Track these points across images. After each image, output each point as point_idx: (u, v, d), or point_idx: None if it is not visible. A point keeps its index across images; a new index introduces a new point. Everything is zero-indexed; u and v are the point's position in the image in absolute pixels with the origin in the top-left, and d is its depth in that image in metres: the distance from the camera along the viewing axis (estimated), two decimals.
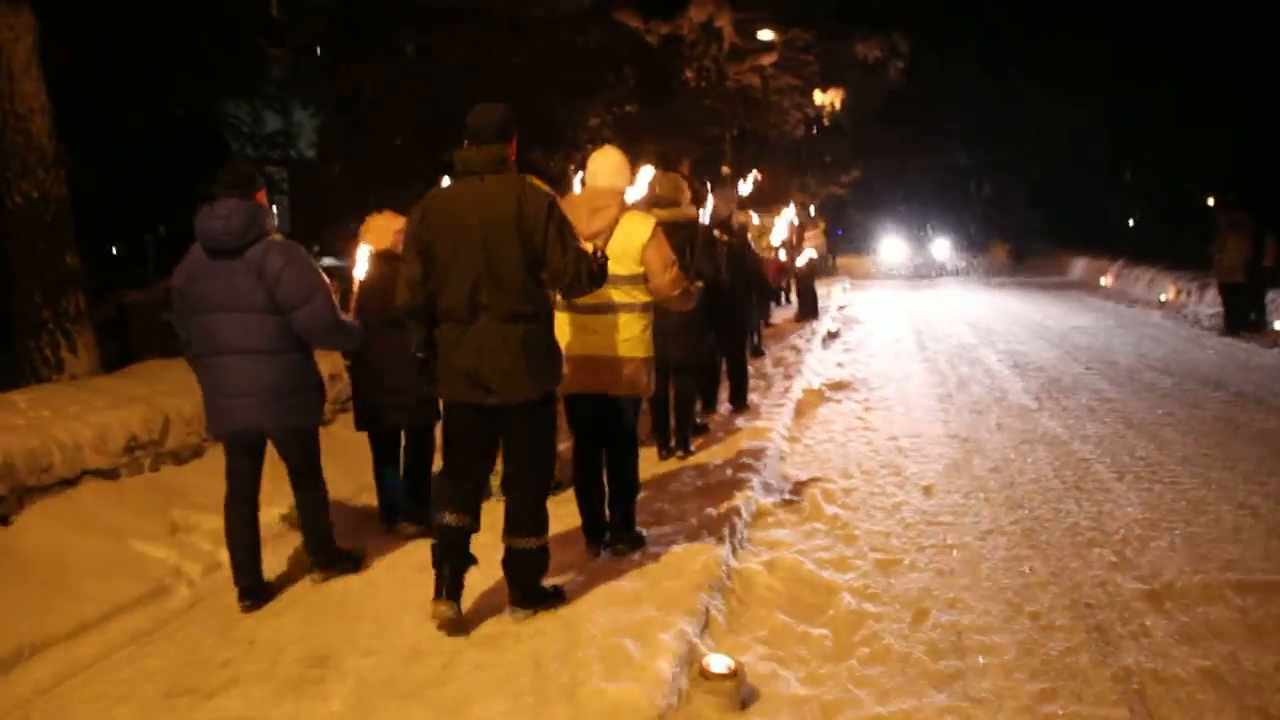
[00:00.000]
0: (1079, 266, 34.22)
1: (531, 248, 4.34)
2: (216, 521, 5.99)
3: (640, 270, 5.28)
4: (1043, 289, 28.92)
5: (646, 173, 5.98)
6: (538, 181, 4.47)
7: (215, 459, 6.48)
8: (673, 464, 7.59)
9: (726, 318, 9.03)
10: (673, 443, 7.77)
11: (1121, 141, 36.73)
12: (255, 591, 5.15)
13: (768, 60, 15.92)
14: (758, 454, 7.76)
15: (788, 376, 11.92)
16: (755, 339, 13.78)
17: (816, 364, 13.45)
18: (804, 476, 7.48)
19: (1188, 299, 20.82)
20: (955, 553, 5.79)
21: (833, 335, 17.02)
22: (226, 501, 5.22)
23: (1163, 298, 22.24)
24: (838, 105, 29.06)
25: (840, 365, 13.62)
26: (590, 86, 14.36)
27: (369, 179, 12.72)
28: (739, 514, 6.15)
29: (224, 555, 5.63)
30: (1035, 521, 6.35)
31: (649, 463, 7.61)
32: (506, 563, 4.65)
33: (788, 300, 19.61)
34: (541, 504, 4.65)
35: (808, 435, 9.01)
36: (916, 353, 14.99)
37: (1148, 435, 8.80)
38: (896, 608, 5.01)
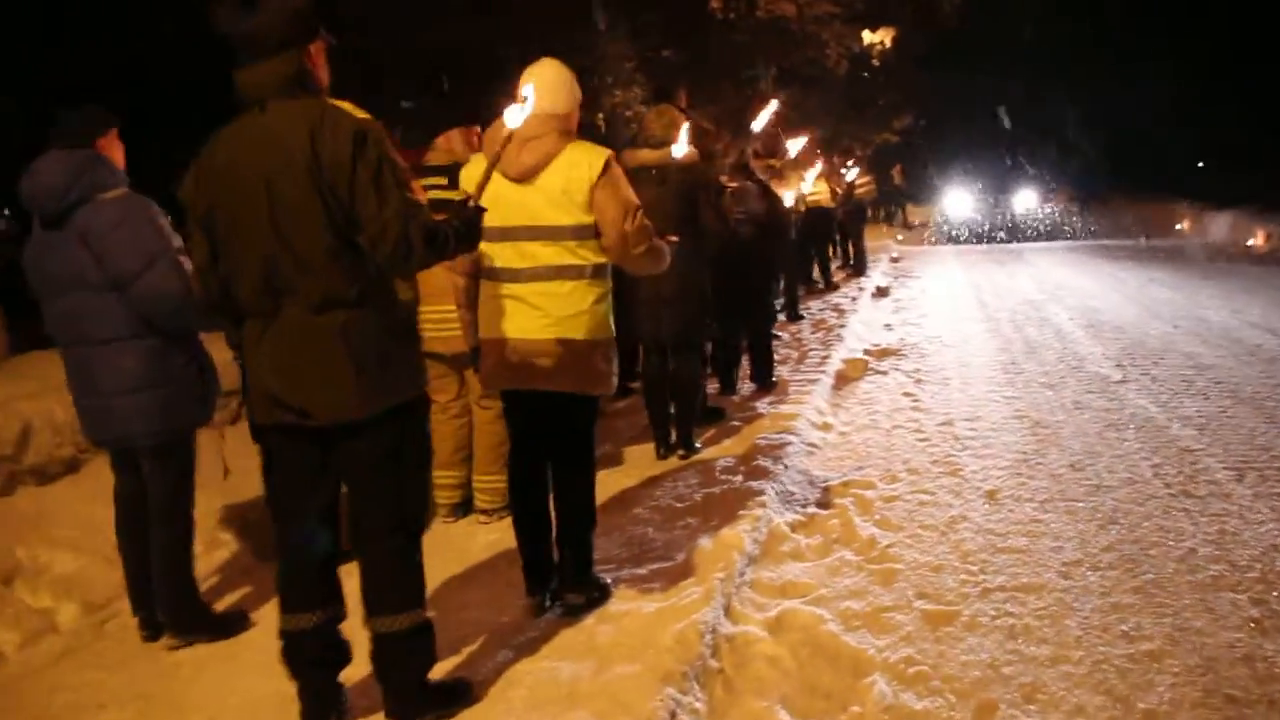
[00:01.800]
0: (1218, 225, 25.69)
1: (337, 201, 2.90)
2: (74, 563, 4.73)
3: (589, 219, 3.84)
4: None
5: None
6: (346, 105, 3.00)
7: (93, 476, 5.22)
8: (672, 465, 6.13)
9: (743, 281, 7.52)
10: (674, 439, 6.31)
11: (1189, 80, 34.36)
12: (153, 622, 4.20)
13: None
14: (779, 451, 6.27)
15: (826, 343, 10.37)
16: (794, 303, 12.22)
17: (861, 327, 11.87)
18: (835, 479, 5.99)
19: None
20: (1031, 599, 4.28)
21: (882, 291, 15.40)
22: (115, 525, 4.22)
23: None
24: (888, 44, 27.06)
25: (889, 327, 12.03)
26: (614, 21, 12.71)
27: None
28: (743, 544, 4.68)
29: (64, 617, 4.38)
30: (1136, 546, 4.82)
31: (643, 464, 6.17)
32: (374, 656, 3.23)
33: (844, 259, 17.93)
34: (409, 560, 3.22)
35: (845, 420, 7.49)
36: (976, 311, 13.34)
37: (1264, 415, 7.17)
38: (950, 700, 3.53)
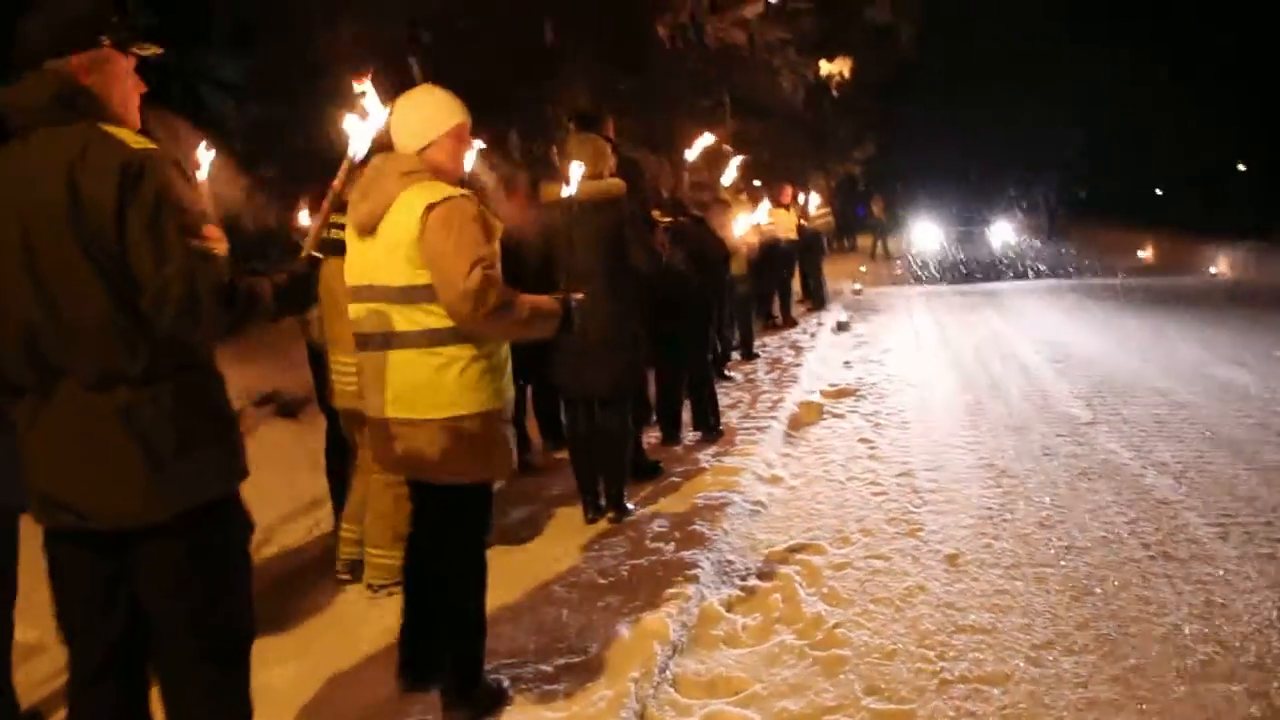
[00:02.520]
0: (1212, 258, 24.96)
1: (106, 255, 2.29)
2: None
3: (422, 278, 3.25)
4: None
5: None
6: (119, 132, 2.37)
7: None
8: (600, 531, 5.52)
9: (679, 323, 6.96)
10: (603, 500, 5.70)
11: (1158, 103, 34.27)
12: None
13: (752, 12, 13.77)
14: (719, 511, 5.68)
15: (780, 384, 9.81)
16: (749, 340, 11.68)
17: (819, 365, 11.34)
18: (781, 544, 5.40)
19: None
20: (996, 693, 3.70)
21: (842, 326, 14.89)
22: None
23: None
24: (846, 74, 26.81)
25: (848, 365, 11.50)
26: (559, 52, 12.18)
27: None
28: (667, 632, 4.07)
29: None
30: (1114, 623, 4.25)
31: (568, 530, 5.56)
32: None
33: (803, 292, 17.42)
34: (222, 698, 2.56)
35: (795, 471, 6.90)
36: (940, 348, 12.83)
37: (1243, 459, 6.66)
38: None
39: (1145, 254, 27.44)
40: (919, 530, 5.57)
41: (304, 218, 6.51)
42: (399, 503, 4.73)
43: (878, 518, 5.84)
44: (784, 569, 5.00)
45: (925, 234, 33.83)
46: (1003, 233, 34.16)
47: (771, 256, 13.34)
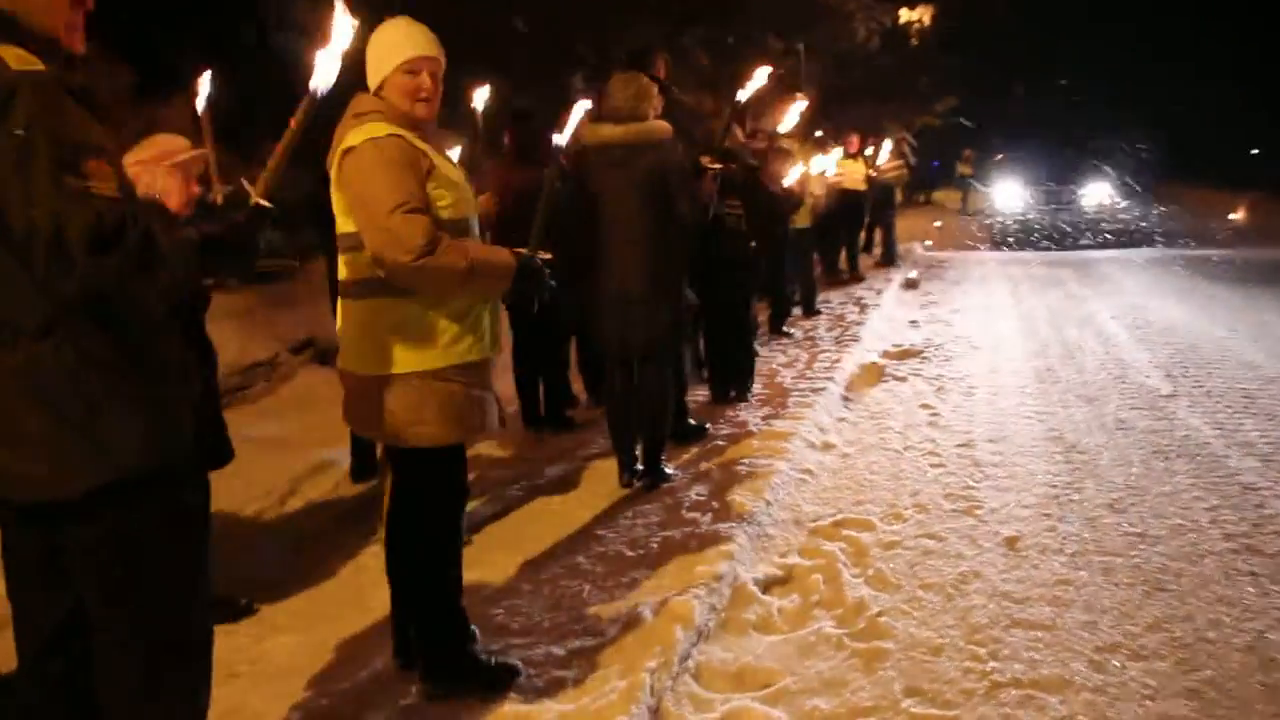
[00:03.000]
0: None
1: None
2: None
3: (352, 226, 3.14)
4: None
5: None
6: (9, 51, 1.97)
7: None
8: (635, 495, 5.22)
9: (725, 277, 6.59)
10: (640, 464, 5.38)
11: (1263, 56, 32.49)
12: None
13: None
14: (763, 479, 5.33)
15: (841, 343, 9.39)
16: (811, 295, 11.24)
17: (883, 324, 10.87)
18: (827, 517, 5.05)
19: None
20: (1053, 702, 3.33)
21: (912, 284, 14.35)
22: None
23: None
24: (927, 22, 25.86)
25: (914, 324, 11.01)
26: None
27: None
28: (693, 615, 3.75)
29: None
30: (1190, 626, 3.84)
31: (600, 494, 5.27)
32: None
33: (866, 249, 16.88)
34: (163, 699, 2.26)
35: (849, 439, 6.52)
36: (1012, 309, 12.26)
37: None
38: None
39: (1237, 216, 26.24)
40: (977, 508, 5.18)
41: None
42: None
43: (934, 492, 5.45)
44: (828, 546, 4.65)
45: (1009, 194, 28.64)
46: (1097, 194, 28.82)
47: (839, 208, 12.90)
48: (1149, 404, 7.23)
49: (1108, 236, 23.81)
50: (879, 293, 12.88)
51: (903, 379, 8.24)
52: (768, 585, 4.26)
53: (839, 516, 5.04)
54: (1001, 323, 11.11)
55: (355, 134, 3.06)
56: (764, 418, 6.62)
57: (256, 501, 5.17)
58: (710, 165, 5.36)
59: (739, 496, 5.04)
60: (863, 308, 11.58)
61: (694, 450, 5.96)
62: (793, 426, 6.33)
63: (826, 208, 12.66)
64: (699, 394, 7.11)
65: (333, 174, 3.13)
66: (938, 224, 24.74)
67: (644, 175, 5.02)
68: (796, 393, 7.30)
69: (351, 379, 3.25)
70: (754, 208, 6.69)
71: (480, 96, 5.27)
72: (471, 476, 5.76)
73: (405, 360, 3.12)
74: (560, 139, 3.41)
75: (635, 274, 5.07)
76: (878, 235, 16.67)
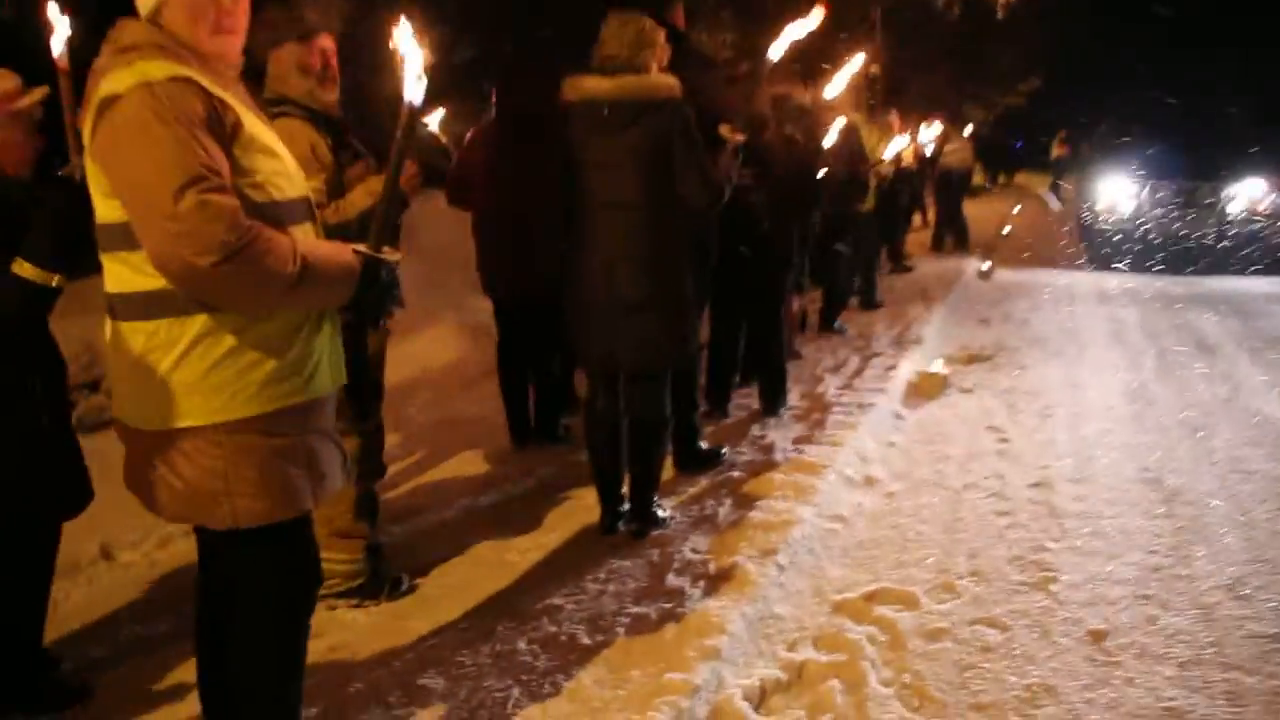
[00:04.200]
0: None
1: None
2: None
3: (115, 214, 2.13)
4: None
5: None
6: None
7: None
8: (614, 547, 4.15)
9: (753, 272, 5.48)
10: (625, 505, 4.31)
11: None
12: None
13: None
14: (779, 533, 4.21)
15: (900, 344, 8.20)
16: (871, 286, 10.03)
17: (951, 320, 9.65)
18: (858, 586, 3.94)
19: None
20: None
21: (985, 274, 13.03)
22: None
23: None
24: None
25: (984, 323, 9.75)
26: None
27: None
28: None
29: None
30: None
31: (574, 543, 4.23)
32: None
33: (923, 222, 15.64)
34: None
35: (897, 471, 5.37)
36: (1098, 308, 10.91)
37: None
38: None
39: None
40: (1053, 580, 4.03)
41: None
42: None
43: (998, 553, 4.31)
44: (854, 632, 3.55)
45: (1116, 191, 16.81)
46: (1249, 196, 16.45)
47: (896, 189, 11.73)
48: (1273, 438, 5.96)
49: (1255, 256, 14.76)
50: (949, 284, 11.60)
51: (968, 391, 7.04)
52: (763, 694, 3.18)
53: (873, 586, 3.93)
54: (1085, 323, 9.80)
55: (118, 76, 2.04)
56: (795, 441, 5.49)
57: (127, 551, 4.17)
58: (731, 136, 4.23)
59: (744, 556, 3.94)
60: (928, 301, 10.34)
61: (702, 482, 4.88)
62: (828, 456, 5.20)
63: (891, 189, 11.49)
64: (741, 402, 6.06)
65: (86, 137, 2.11)
66: (1017, 209, 23.05)
67: (641, 144, 3.92)
68: (840, 408, 6.15)
69: (130, 436, 2.25)
70: (786, 188, 5.54)
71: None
72: (425, 500, 4.87)
73: (204, 408, 2.14)
74: (414, 88, 2.28)
75: (628, 271, 3.98)
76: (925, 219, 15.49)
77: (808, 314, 8.58)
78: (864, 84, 13.44)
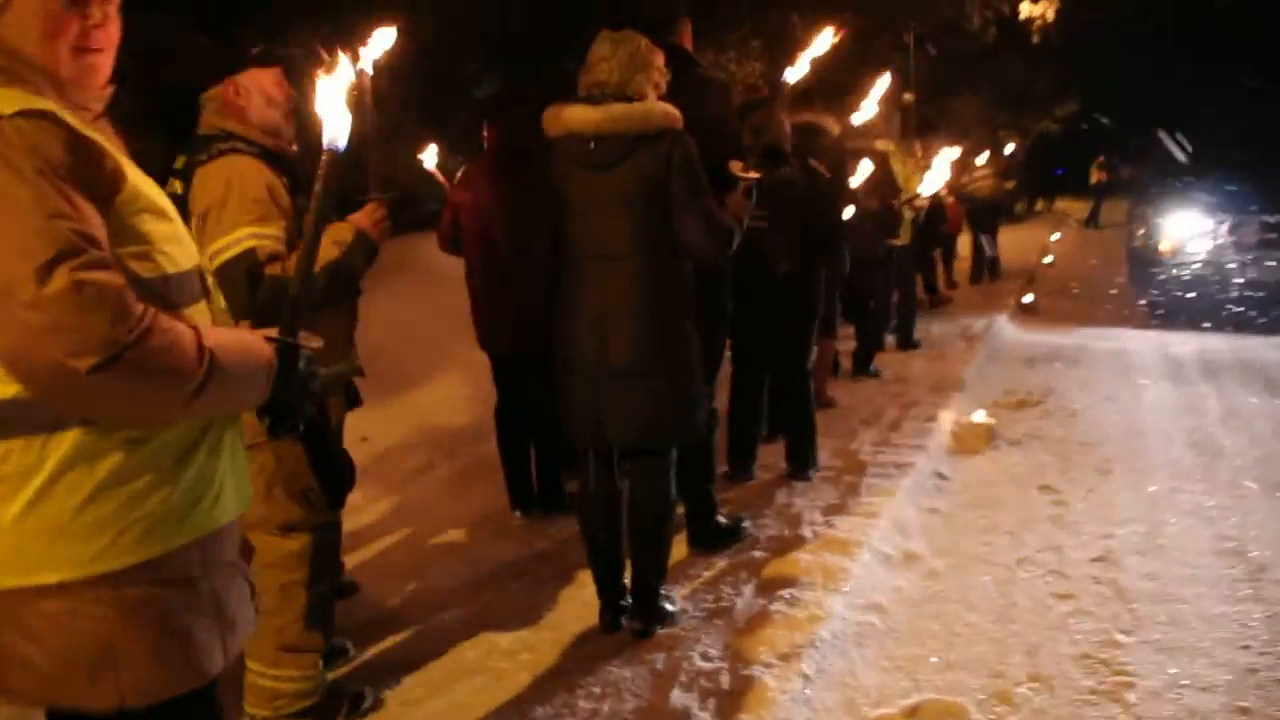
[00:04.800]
0: None
1: None
2: None
3: None
4: None
5: None
6: None
7: None
8: (614, 649, 3.59)
9: (768, 314, 4.95)
10: (625, 600, 3.75)
11: None
12: None
13: None
14: (803, 633, 3.64)
15: (940, 389, 7.60)
16: (908, 326, 9.44)
17: (993, 361, 9.03)
18: (897, 698, 3.35)
19: None
20: None
21: (1027, 307, 12.40)
22: None
23: None
24: (1050, 17, 23.59)
25: (1030, 363, 9.12)
26: None
27: None
28: None
29: None
30: None
31: (571, 642, 3.67)
32: None
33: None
34: None
35: (942, 544, 4.77)
36: (1153, 338, 10.23)
37: None
38: None
39: None
40: (1128, 686, 3.43)
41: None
42: (289, 596, 3.06)
43: (1062, 650, 3.71)
44: None
45: (1185, 228, 12.09)
46: None
47: (934, 222, 11.21)
48: None
49: None
50: (989, 321, 10.97)
51: (1016, 443, 6.42)
52: None
53: (915, 698, 3.35)
54: (1141, 361, 9.15)
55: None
56: (825, 511, 4.91)
57: None
58: (744, 174, 3.70)
59: (763, 665, 3.37)
60: (970, 339, 9.73)
61: (719, 564, 4.32)
62: (862, 529, 4.62)
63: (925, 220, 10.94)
64: (766, 461, 5.52)
65: None
66: (1056, 236, 22.26)
67: (633, 184, 3.40)
68: (876, 468, 5.58)
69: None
70: (809, 229, 5.00)
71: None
72: (405, 583, 4.35)
73: (77, 556, 1.63)
74: (334, 128, 1.77)
75: (619, 331, 3.45)
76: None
77: (839, 357, 8.02)
78: (896, 111, 12.90)
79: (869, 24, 12.69)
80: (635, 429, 3.49)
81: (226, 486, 1.82)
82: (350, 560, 4.63)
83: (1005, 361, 9.15)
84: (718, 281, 4.25)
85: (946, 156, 8.70)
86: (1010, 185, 19.37)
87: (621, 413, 3.46)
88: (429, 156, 5.80)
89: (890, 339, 9.24)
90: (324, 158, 1.76)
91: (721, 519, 4.57)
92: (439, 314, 6.90)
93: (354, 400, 4.06)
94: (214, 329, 1.75)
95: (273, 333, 1.77)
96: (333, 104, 1.78)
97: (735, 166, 3.71)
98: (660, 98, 3.53)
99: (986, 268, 14.73)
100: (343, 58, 1.93)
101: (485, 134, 4.93)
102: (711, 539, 4.45)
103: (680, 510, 4.23)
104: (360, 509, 5.23)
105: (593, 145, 3.40)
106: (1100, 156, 28.69)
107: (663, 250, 3.44)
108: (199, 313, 1.79)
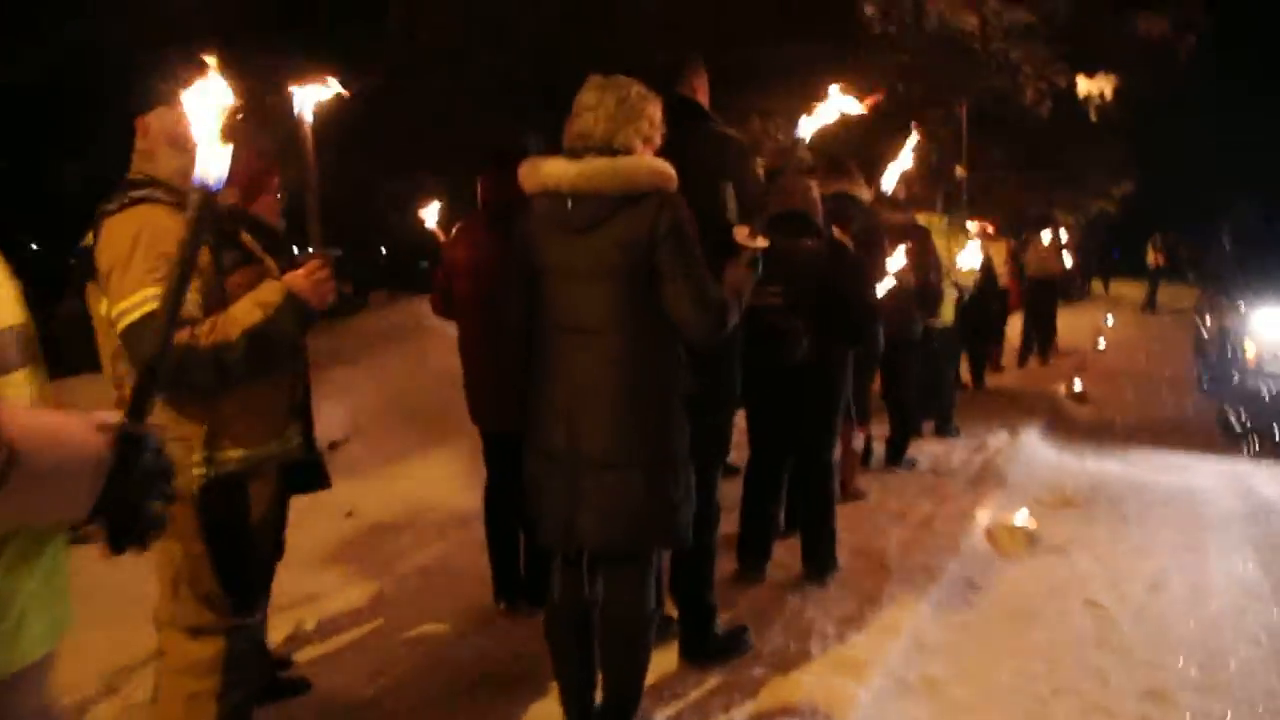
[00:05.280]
0: None
1: None
2: None
3: None
4: None
5: None
6: None
7: None
8: None
9: (788, 402, 4.49)
10: None
11: None
12: None
13: None
14: None
15: (977, 484, 7.04)
16: (947, 413, 8.89)
17: (1037, 456, 8.43)
18: None
19: None
20: None
21: (1079, 397, 11.77)
22: None
23: None
24: (1108, 95, 23.15)
25: (1078, 458, 8.52)
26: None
27: None
28: None
29: None
30: None
31: None
32: None
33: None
34: None
35: (966, 667, 4.20)
36: (1208, 426, 9.58)
37: None
38: None
39: None
40: None
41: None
42: (196, 708, 2.61)
43: None
44: None
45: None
46: None
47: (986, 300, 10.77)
48: None
49: None
50: (1035, 410, 10.37)
51: (1058, 550, 5.83)
52: None
53: None
54: (1194, 454, 8.52)
55: None
56: (840, 622, 4.38)
57: None
58: (749, 241, 3.25)
59: None
60: (1012, 430, 9.13)
61: (711, 681, 3.80)
62: (878, 647, 4.09)
63: (976, 301, 10.48)
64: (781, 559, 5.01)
65: None
66: (1109, 320, 21.53)
67: (614, 250, 2.96)
68: (901, 573, 5.04)
69: None
70: (832, 307, 4.53)
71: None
72: (363, 696, 3.88)
73: None
74: (209, 168, 1.39)
75: (594, 414, 3.00)
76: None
77: (873, 443, 7.50)
78: (942, 184, 12.47)
79: (916, 95, 12.30)
80: (608, 530, 3.01)
81: (30, 615, 1.40)
82: (307, 654, 4.20)
83: (1050, 456, 8.55)
84: (726, 360, 3.78)
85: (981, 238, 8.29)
86: (1072, 265, 18.94)
87: (593, 510, 3.00)
88: (430, 214, 5.44)
89: (928, 425, 8.70)
90: (192, 198, 1.40)
91: (719, 628, 4.05)
92: (439, 382, 6.49)
93: (311, 483, 3.64)
94: (24, 412, 1.33)
95: (114, 416, 1.36)
96: (205, 132, 1.42)
97: (740, 233, 3.27)
98: (657, 154, 3.11)
99: (1038, 350, 14.29)
100: (215, 78, 1.53)
101: (478, 188, 4.54)
102: (706, 650, 3.93)
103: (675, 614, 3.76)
104: (331, 594, 4.79)
105: (570, 204, 2.98)
106: (1156, 235, 27.93)
107: (646, 326, 2.99)
108: (12, 384, 1.39)
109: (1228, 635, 4.60)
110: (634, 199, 2.95)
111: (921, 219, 8.20)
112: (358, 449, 6.20)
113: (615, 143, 3.01)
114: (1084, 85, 21.94)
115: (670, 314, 2.98)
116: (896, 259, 5.78)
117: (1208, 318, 10.45)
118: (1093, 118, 23.20)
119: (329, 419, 6.27)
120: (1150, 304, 26.45)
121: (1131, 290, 28.74)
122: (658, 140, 3.14)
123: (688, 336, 3.06)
